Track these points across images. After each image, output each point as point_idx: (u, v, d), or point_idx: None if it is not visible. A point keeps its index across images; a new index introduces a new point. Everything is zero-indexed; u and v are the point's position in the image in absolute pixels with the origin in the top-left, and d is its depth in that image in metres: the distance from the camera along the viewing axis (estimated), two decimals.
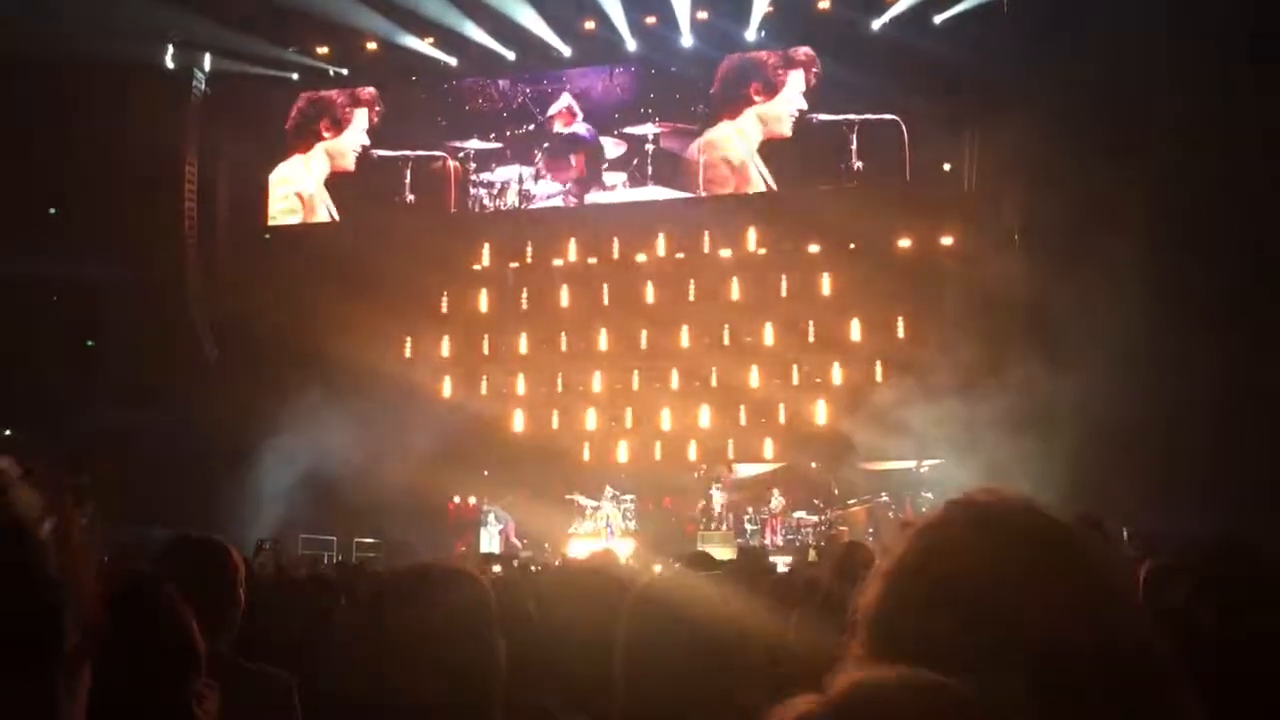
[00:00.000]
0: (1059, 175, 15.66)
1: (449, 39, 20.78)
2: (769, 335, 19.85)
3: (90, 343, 19.51)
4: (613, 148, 20.80)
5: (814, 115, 19.73)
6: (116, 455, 16.09)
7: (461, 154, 21.49)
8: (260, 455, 16.66)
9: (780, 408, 19.56)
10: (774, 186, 20.01)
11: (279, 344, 19.10)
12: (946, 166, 19.17)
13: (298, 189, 21.75)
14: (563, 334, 20.81)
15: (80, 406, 16.85)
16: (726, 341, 20.03)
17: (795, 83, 19.78)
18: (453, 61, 21.21)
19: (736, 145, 20.11)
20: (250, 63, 20.73)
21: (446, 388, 20.68)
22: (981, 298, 16.71)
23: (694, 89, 20.48)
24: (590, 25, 20.33)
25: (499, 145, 21.38)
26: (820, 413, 19.19)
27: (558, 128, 21.08)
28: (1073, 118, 15.59)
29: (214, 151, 20.85)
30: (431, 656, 1.79)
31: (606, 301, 20.73)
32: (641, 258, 20.78)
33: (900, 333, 18.95)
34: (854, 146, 19.52)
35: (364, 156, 21.73)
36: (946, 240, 19.17)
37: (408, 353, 20.94)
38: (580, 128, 21.01)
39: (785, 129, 19.87)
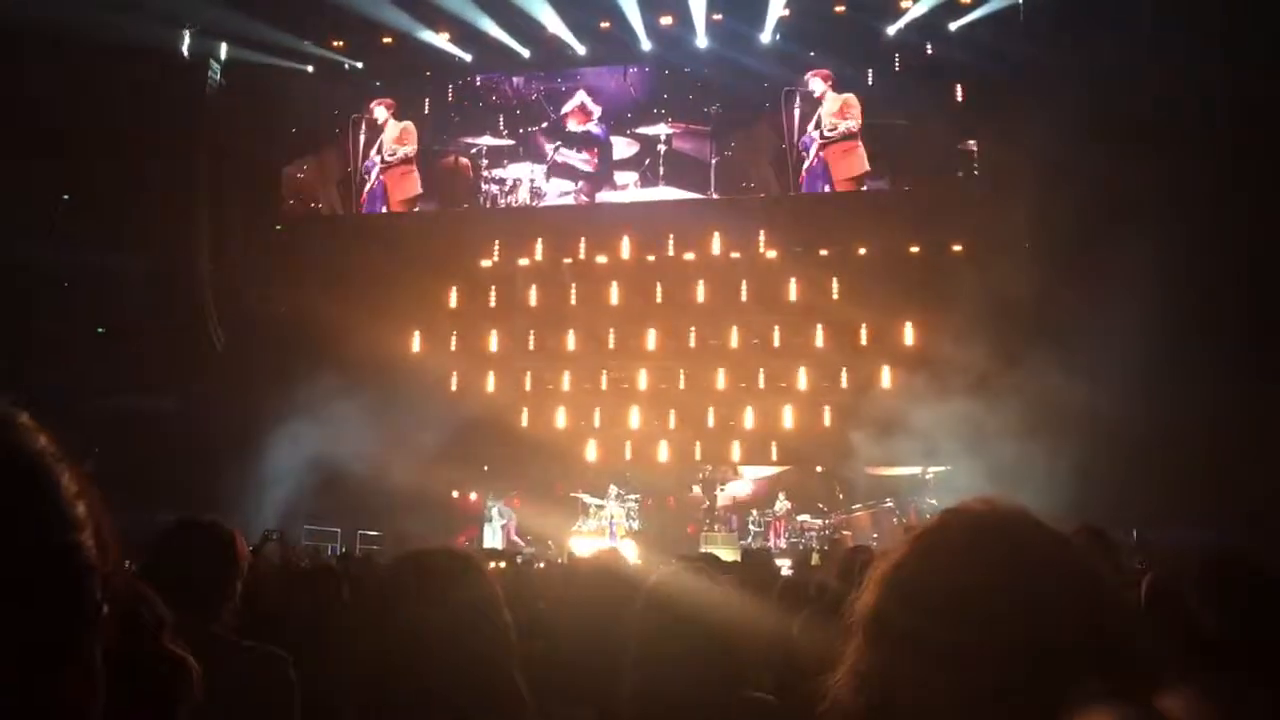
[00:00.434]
0: (1070, 181, 15.65)
1: (465, 35, 20.81)
2: (777, 338, 19.85)
3: (101, 329, 19.56)
4: (624, 147, 20.82)
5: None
6: (123, 442, 16.15)
7: (474, 150, 21.53)
8: (266, 445, 16.71)
9: (787, 410, 19.55)
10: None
11: (287, 335, 19.15)
12: (958, 172, 19.16)
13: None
14: (571, 332, 20.82)
15: (89, 393, 16.90)
16: (735, 343, 20.03)
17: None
18: (468, 57, 21.26)
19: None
20: (266, 53, 20.77)
21: (453, 383, 20.71)
22: (991, 303, 16.68)
23: (708, 90, 20.48)
24: (605, 24, 20.34)
25: (511, 142, 21.41)
26: (827, 416, 19.17)
27: (571, 125, 21.10)
28: (1085, 123, 15.55)
29: (227, 141, 20.88)
30: (448, 638, 1.80)
31: (615, 301, 20.74)
32: (651, 258, 20.79)
33: (909, 338, 18.93)
34: (862, 151, 19.58)
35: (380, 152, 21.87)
36: (956, 246, 19.15)
37: (415, 347, 20.99)
38: (593, 126, 21.04)
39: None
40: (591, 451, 20.00)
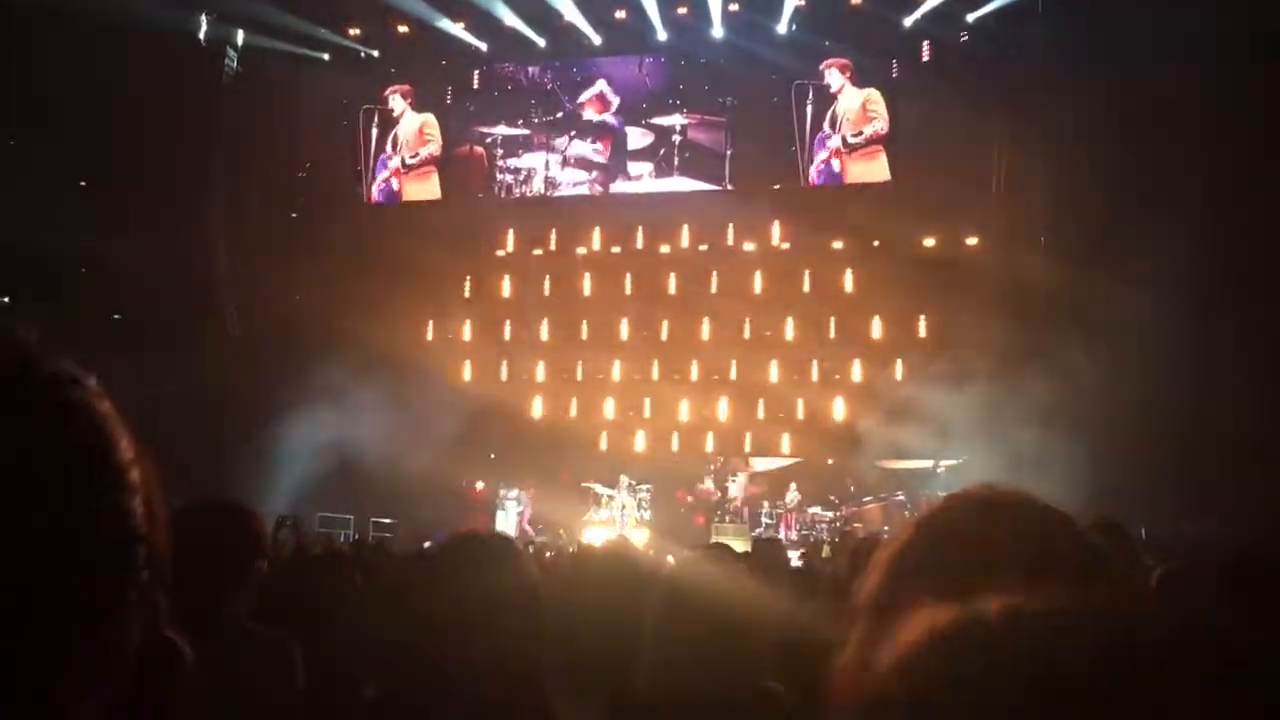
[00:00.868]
0: (1087, 176, 15.56)
1: (480, 23, 20.80)
2: (790, 330, 19.83)
3: (117, 316, 19.66)
4: (639, 138, 20.79)
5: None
6: (139, 428, 16.20)
7: (489, 139, 21.53)
8: (280, 432, 16.78)
9: (799, 403, 19.53)
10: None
11: (301, 322, 19.23)
12: (974, 165, 19.06)
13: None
14: (584, 322, 20.83)
15: (105, 379, 16.94)
16: (747, 335, 20.01)
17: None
18: (483, 46, 21.24)
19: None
20: (283, 39, 20.79)
21: (467, 372, 20.76)
22: (1006, 298, 16.64)
23: (723, 81, 20.41)
24: (621, 14, 20.31)
25: (526, 132, 21.40)
26: (839, 409, 19.15)
27: (589, 114, 21.05)
28: (1103, 117, 15.46)
29: (243, 128, 20.92)
30: (481, 625, 1.80)
31: (629, 291, 20.74)
32: (665, 249, 20.77)
33: (922, 332, 18.88)
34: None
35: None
36: (972, 239, 19.09)
37: (429, 336, 21.05)
38: (609, 116, 21.01)
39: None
40: (604, 441, 20.04)
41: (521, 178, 21.44)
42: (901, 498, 17.16)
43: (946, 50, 19.20)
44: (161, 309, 18.99)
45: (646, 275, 20.70)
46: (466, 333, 21.25)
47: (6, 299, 17.97)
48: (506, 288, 21.32)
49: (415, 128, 21.86)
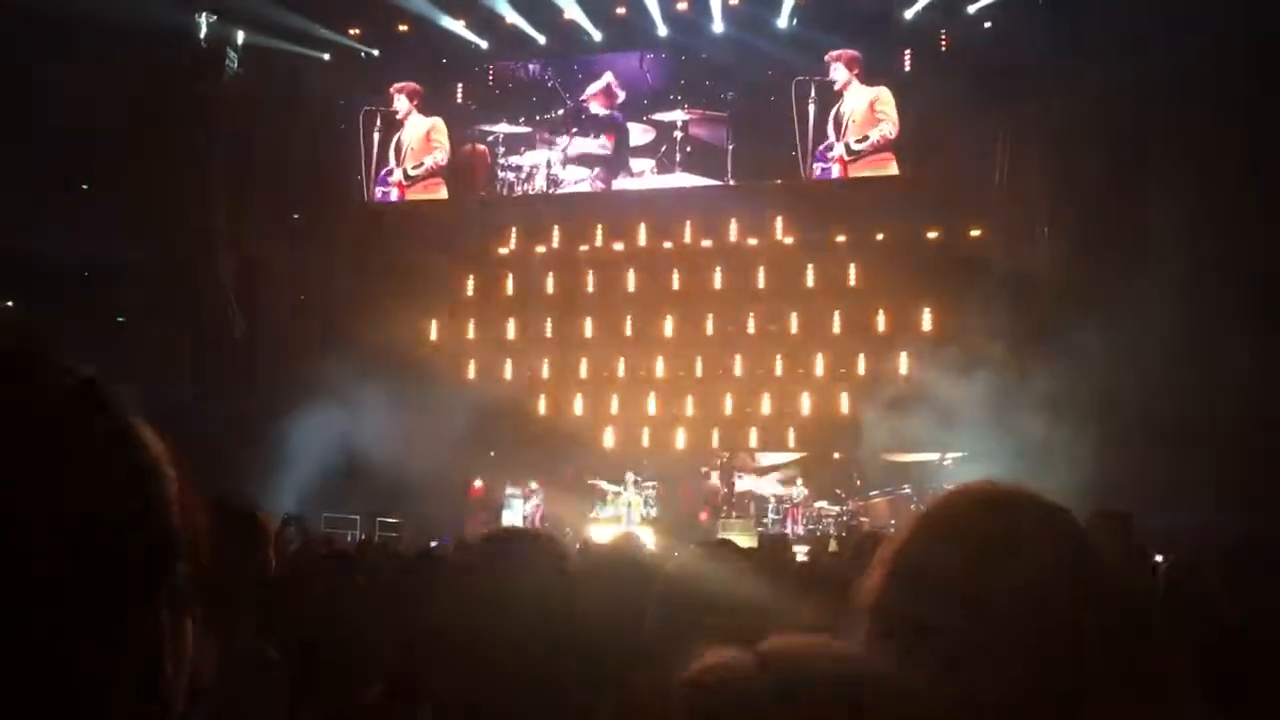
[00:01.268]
0: (1089, 168, 15.53)
1: (481, 21, 20.78)
2: (794, 324, 19.82)
3: (121, 319, 19.69)
4: (640, 134, 20.76)
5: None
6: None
7: (490, 138, 21.52)
8: (285, 432, 16.79)
9: (804, 397, 19.53)
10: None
11: (305, 322, 19.27)
12: (976, 156, 19.01)
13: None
14: (588, 319, 20.83)
15: (111, 382, 16.97)
16: (751, 330, 20.01)
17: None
18: (484, 44, 21.22)
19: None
20: (283, 38, 20.77)
21: (470, 370, 20.77)
22: (1009, 290, 16.60)
23: (725, 76, 20.38)
24: (622, 10, 20.28)
25: (528, 129, 21.38)
26: (844, 403, 19.14)
27: (595, 108, 21.02)
28: (1105, 108, 15.42)
29: (244, 129, 20.92)
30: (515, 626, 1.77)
31: (632, 288, 20.73)
32: (668, 245, 20.76)
33: (927, 324, 18.86)
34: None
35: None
36: (975, 232, 19.06)
37: (433, 335, 21.06)
38: (615, 111, 20.97)
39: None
40: (609, 438, 20.05)
41: (524, 175, 21.42)
42: (908, 491, 17.17)
43: (947, 42, 19.15)
44: (164, 312, 19.04)
45: (649, 272, 20.69)
46: (470, 331, 21.26)
47: (9, 303, 17.99)
48: (509, 286, 21.31)
49: (421, 133, 21.69)
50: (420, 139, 21.68)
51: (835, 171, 19.55)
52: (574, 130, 21.09)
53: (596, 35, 20.75)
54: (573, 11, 20.25)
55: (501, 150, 21.46)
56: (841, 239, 19.85)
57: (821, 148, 19.49)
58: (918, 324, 18.91)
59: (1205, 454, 13.40)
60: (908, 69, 19.25)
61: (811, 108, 19.45)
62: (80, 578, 0.70)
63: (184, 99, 19.38)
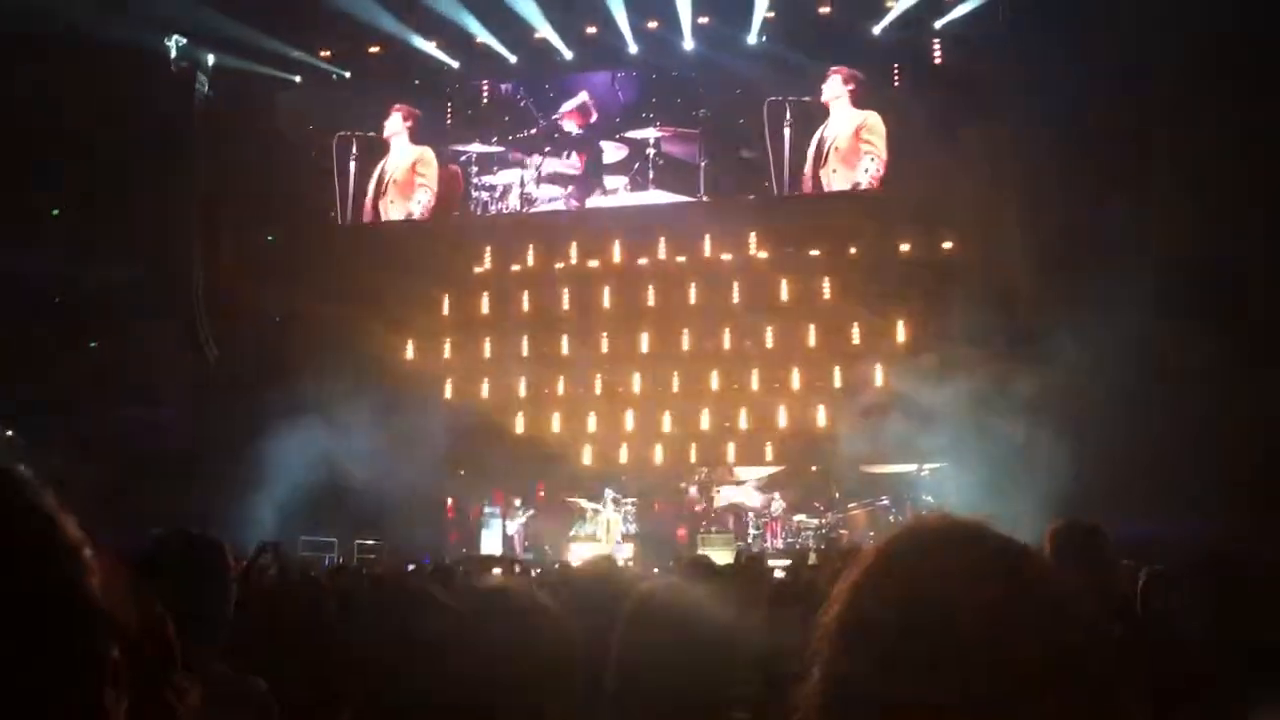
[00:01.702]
0: (1057, 179, 15.68)
1: (453, 41, 20.78)
2: (770, 338, 19.89)
3: (94, 344, 19.52)
4: (614, 151, 20.82)
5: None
6: (119, 455, 16.11)
7: (463, 157, 21.52)
8: (261, 455, 16.67)
9: (781, 411, 19.59)
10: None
11: (280, 345, 19.16)
12: (948, 168, 19.16)
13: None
14: (564, 337, 20.83)
15: (84, 407, 16.86)
16: (727, 345, 20.06)
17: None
18: (455, 64, 21.23)
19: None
20: (254, 60, 20.69)
21: (448, 390, 20.72)
22: (982, 302, 16.72)
23: (696, 93, 20.48)
24: (593, 29, 20.35)
25: (501, 149, 21.39)
26: (821, 416, 19.21)
27: (568, 126, 21.06)
28: (1072, 120, 15.59)
29: (218, 152, 20.82)
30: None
31: (607, 305, 20.76)
32: (643, 261, 20.81)
33: (901, 336, 18.98)
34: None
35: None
36: (947, 244, 19.21)
37: (409, 355, 21.00)
38: (587, 129, 21.01)
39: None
40: (587, 456, 20.03)
41: (497, 194, 21.44)
42: (886, 502, 17.22)
43: (916, 58, 19.32)
44: (138, 336, 18.87)
45: (625, 288, 20.73)
46: (447, 350, 21.21)
47: None
48: (485, 305, 21.29)
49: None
50: (405, 171, 21.58)
51: (808, 185, 19.67)
52: (547, 149, 21.12)
53: (568, 54, 20.80)
54: (544, 30, 20.30)
55: (474, 170, 21.46)
56: (815, 253, 19.96)
57: (802, 177, 19.60)
58: (892, 336, 19.04)
59: (1178, 461, 13.52)
60: (876, 85, 19.39)
61: (787, 131, 19.51)
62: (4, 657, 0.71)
63: (156, 121, 19.26)
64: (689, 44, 20.22)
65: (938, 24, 19.05)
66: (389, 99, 21.48)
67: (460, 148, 21.49)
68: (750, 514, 18.34)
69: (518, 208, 21.27)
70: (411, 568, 10.87)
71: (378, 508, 16.80)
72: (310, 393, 16.80)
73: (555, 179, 21.11)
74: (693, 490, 18.85)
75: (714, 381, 19.99)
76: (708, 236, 20.40)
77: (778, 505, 18.23)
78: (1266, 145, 14.19)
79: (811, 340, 19.68)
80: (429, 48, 20.82)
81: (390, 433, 16.98)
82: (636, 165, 20.57)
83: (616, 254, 20.86)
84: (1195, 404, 13.68)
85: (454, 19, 20.06)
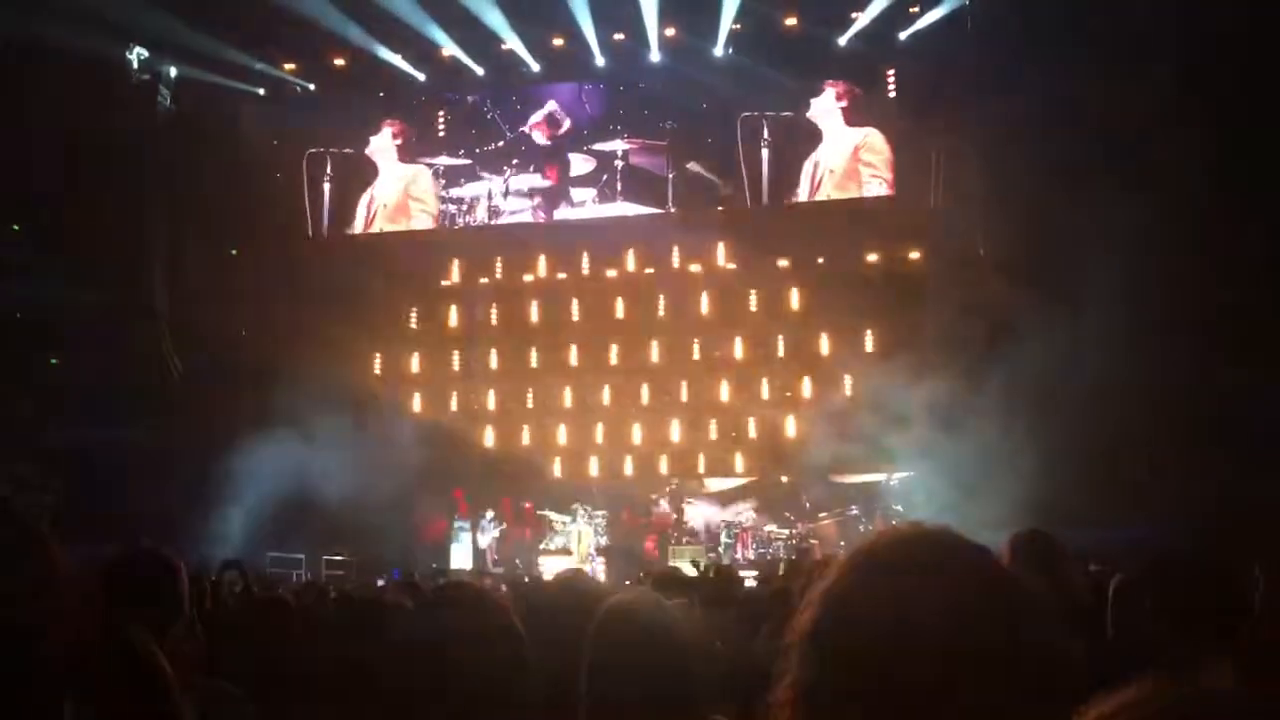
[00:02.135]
0: (1024, 190, 15.84)
1: (419, 53, 20.73)
2: (739, 349, 19.95)
3: (54, 360, 19.26)
4: (581, 164, 20.83)
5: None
6: (81, 474, 15.91)
7: (431, 170, 21.46)
8: (227, 473, 16.50)
9: (750, 422, 19.64)
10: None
11: (245, 361, 18.98)
12: (912, 179, 19.32)
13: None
14: (533, 349, 20.79)
15: (44, 425, 16.64)
16: (696, 356, 20.10)
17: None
18: (421, 77, 21.17)
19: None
20: (218, 73, 20.55)
21: (416, 404, 20.62)
22: (949, 313, 16.86)
23: (663, 106, 20.52)
24: (560, 41, 20.37)
25: (468, 161, 21.34)
26: (790, 426, 19.27)
27: (537, 137, 21.04)
28: (1036, 133, 15.75)
29: (180, 165, 20.63)
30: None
31: (576, 317, 20.74)
32: (611, 273, 20.82)
33: (869, 347, 19.09)
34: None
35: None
36: (914, 254, 19.35)
37: (377, 369, 20.89)
38: (555, 140, 21.01)
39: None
40: (557, 468, 19.99)
41: (465, 207, 21.38)
42: (856, 511, 17.27)
43: (880, 69, 19.48)
44: (101, 353, 18.64)
45: (593, 300, 20.73)
46: (415, 364, 21.11)
47: None
48: (454, 317, 21.21)
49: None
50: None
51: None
52: (515, 162, 21.08)
53: (535, 66, 20.81)
54: (511, 42, 20.29)
55: (442, 182, 21.41)
56: (784, 264, 20.03)
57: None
58: (860, 346, 19.14)
59: (1146, 467, 13.67)
60: (838, 97, 19.51)
61: (765, 151, 19.55)
62: None
63: (117, 135, 19.06)
64: (656, 56, 20.28)
65: (902, 35, 19.19)
66: (360, 111, 21.36)
67: (428, 160, 21.43)
68: (721, 525, 18.32)
69: (485, 220, 21.21)
70: (381, 583, 10.78)
71: (346, 523, 16.66)
72: (277, 408, 16.63)
73: (523, 192, 21.08)
74: (663, 502, 18.81)
75: (684, 393, 20.01)
76: (676, 248, 20.43)
77: (748, 516, 18.24)
78: (1239, 155, 14.39)
79: (781, 351, 19.75)
80: (395, 60, 20.75)
81: (358, 447, 16.86)
82: (604, 177, 20.59)
83: (585, 266, 20.86)
84: (1163, 410, 13.84)
85: (421, 31, 20.00)
